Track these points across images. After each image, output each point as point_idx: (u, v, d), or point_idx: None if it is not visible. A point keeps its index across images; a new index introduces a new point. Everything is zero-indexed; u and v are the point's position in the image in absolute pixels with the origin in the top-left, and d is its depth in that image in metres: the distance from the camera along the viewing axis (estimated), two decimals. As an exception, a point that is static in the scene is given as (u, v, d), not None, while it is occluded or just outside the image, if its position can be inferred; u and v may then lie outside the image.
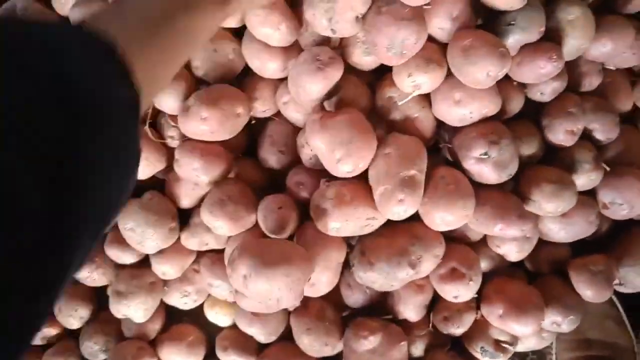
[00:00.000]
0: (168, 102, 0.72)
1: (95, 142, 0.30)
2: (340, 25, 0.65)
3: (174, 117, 0.74)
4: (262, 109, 0.75)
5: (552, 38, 0.68)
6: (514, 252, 0.74)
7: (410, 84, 0.67)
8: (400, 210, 0.66)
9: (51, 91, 0.28)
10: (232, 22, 0.70)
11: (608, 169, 0.73)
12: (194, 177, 0.73)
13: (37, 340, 0.85)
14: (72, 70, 0.30)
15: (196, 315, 0.85)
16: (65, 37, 0.32)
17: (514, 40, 0.67)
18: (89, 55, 0.32)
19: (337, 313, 0.77)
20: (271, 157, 0.76)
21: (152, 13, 0.38)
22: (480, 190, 0.70)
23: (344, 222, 0.68)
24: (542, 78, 0.68)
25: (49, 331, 0.85)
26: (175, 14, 0.39)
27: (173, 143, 0.76)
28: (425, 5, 0.63)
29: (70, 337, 0.86)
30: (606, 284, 0.74)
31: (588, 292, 0.74)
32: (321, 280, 0.70)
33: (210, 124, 0.69)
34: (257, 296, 0.63)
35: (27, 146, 0.26)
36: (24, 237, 0.26)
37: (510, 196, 0.70)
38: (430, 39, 0.68)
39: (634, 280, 0.76)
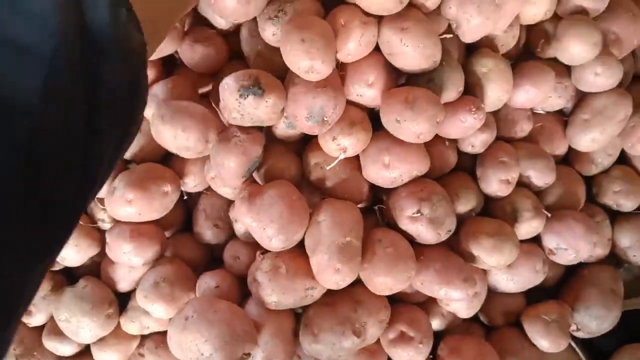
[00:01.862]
0: (94, 186, 0.70)
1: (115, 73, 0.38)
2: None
3: (101, 200, 0.72)
4: (192, 184, 0.73)
5: (472, 92, 0.68)
6: (463, 310, 0.72)
7: (336, 147, 0.66)
8: (338, 279, 0.64)
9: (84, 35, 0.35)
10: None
11: (549, 215, 0.72)
12: (127, 261, 0.70)
13: None
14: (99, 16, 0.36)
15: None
16: None
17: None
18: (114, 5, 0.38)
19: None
20: (206, 231, 0.74)
21: None
22: (423, 251, 0.68)
23: (281, 295, 0.65)
24: (467, 132, 0.67)
25: None
26: None
27: (105, 226, 0.74)
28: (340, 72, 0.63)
29: None
30: (561, 332, 0.72)
31: (544, 342, 0.72)
32: (278, 354, 0.67)
33: (137, 206, 0.67)
34: (192, 340, 0.60)
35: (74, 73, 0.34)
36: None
37: (454, 257, 0.69)
38: (353, 104, 0.68)
39: (589, 325, 0.75)
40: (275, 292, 0.65)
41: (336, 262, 0.63)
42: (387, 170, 0.67)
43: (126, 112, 0.41)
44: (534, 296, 0.77)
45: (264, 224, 0.63)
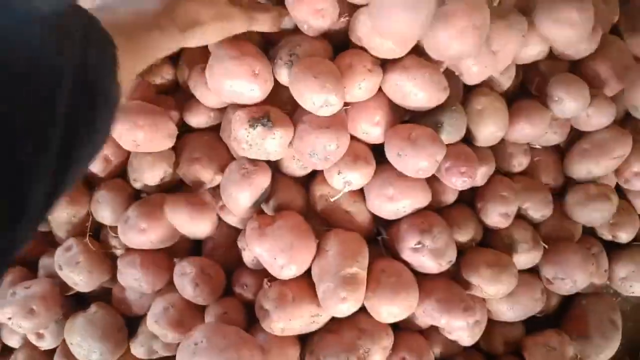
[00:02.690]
0: (106, 214, 0.73)
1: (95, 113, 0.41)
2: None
3: (114, 229, 0.74)
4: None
5: (469, 127, 0.71)
6: (465, 338, 0.74)
7: (341, 180, 0.69)
8: (343, 308, 0.66)
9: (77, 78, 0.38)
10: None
11: (546, 246, 0.74)
12: (137, 287, 0.73)
13: None
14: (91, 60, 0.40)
15: None
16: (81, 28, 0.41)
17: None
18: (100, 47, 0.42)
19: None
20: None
21: (133, 29, 0.49)
22: (424, 281, 0.70)
23: (287, 321, 0.67)
24: (460, 186, 0.70)
25: None
26: (149, 30, 0.51)
27: (118, 252, 0.76)
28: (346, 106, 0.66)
29: None
30: (560, 360, 0.74)
31: None
32: None
33: (149, 235, 0.70)
34: None
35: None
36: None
37: (454, 287, 0.71)
38: (358, 140, 0.71)
39: (590, 354, 0.76)
40: (281, 320, 0.67)
41: (342, 291, 0.65)
42: (391, 202, 0.70)
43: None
44: (533, 326, 0.78)
45: (274, 254, 0.66)
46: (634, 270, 0.78)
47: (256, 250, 0.67)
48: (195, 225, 0.72)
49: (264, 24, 0.65)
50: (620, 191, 0.80)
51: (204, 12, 0.57)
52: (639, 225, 0.79)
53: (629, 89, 0.72)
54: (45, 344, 0.78)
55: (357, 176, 0.69)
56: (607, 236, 0.80)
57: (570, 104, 0.71)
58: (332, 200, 0.71)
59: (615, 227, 0.79)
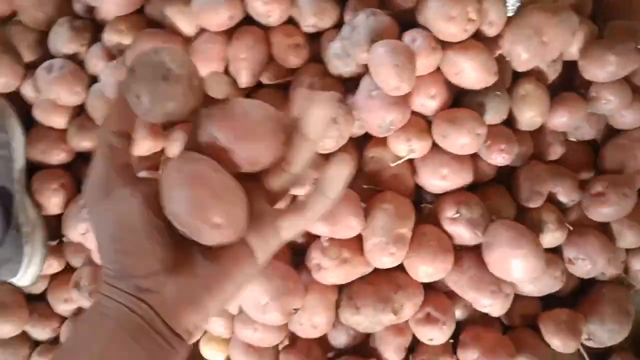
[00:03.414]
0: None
1: None
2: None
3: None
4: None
5: (512, 110, 0.78)
6: (497, 310, 0.80)
7: (406, 148, 0.77)
8: (388, 262, 0.75)
9: None
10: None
11: (571, 228, 0.81)
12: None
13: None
14: None
15: (193, 352, 0.90)
16: None
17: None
18: None
19: (323, 353, 0.82)
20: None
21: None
22: (461, 256, 0.78)
23: (340, 278, 0.76)
24: (500, 162, 0.77)
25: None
26: None
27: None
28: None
29: None
30: (573, 335, 0.80)
31: (556, 341, 0.80)
32: (322, 321, 0.77)
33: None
34: (252, 290, 0.71)
35: None
36: None
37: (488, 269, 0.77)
38: (416, 114, 0.78)
39: (602, 336, 0.82)
40: (336, 276, 0.76)
41: (392, 247, 0.73)
42: (443, 181, 0.77)
43: None
44: (549, 305, 0.85)
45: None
46: (650, 264, 0.84)
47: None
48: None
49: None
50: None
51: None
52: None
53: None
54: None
55: (421, 146, 0.76)
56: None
57: (614, 105, 0.79)
58: (392, 165, 0.78)
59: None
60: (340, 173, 0.40)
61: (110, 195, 0.39)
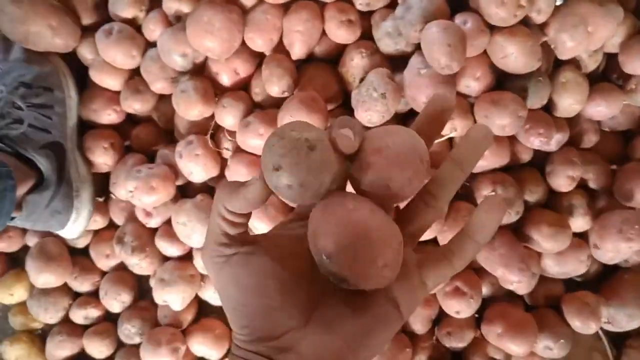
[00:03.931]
0: (228, 119, 0.85)
1: None
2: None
3: (231, 132, 0.87)
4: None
5: (551, 96, 0.81)
6: (523, 288, 0.84)
7: (450, 126, 0.80)
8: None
9: None
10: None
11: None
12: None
13: (80, 319, 0.95)
14: None
15: (224, 313, 0.94)
16: None
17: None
18: None
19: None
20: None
21: None
22: (495, 236, 0.80)
23: None
24: (537, 146, 0.81)
25: (92, 312, 0.95)
26: None
27: (226, 154, 0.89)
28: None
29: (110, 320, 0.96)
30: (593, 317, 0.83)
31: (577, 322, 0.84)
32: None
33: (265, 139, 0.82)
34: None
35: None
36: None
37: (518, 247, 0.81)
38: (459, 94, 0.81)
39: (621, 320, 0.85)
40: None
41: None
42: (481, 161, 0.79)
43: None
44: (572, 288, 0.88)
45: None
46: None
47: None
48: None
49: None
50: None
51: None
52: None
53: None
54: (152, 223, 0.90)
55: (463, 125, 0.79)
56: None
57: None
58: (436, 141, 0.82)
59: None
60: (493, 217, 0.35)
61: (229, 260, 0.37)
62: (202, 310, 0.96)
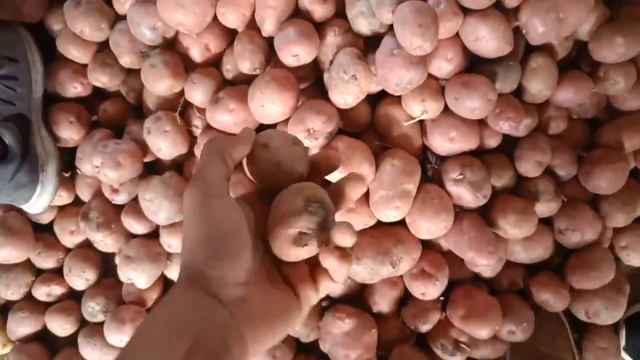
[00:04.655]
0: (198, 95, 0.84)
1: None
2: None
3: (200, 110, 0.85)
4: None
5: (522, 81, 0.82)
6: (490, 271, 0.86)
7: (420, 108, 0.80)
8: (392, 215, 0.78)
9: None
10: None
11: (565, 199, 0.85)
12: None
13: (43, 296, 0.93)
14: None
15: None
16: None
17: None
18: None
19: (319, 301, 0.86)
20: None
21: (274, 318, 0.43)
22: (464, 220, 0.81)
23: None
24: (506, 132, 0.81)
25: (56, 289, 0.93)
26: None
27: (196, 132, 0.87)
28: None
29: (73, 298, 0.95)
30: (560, 295, 0.85)
31: (544, 298, 0.86)
32: None
33: (235, 116, 0.81)
34: None
35: None
36: None
37: (487, 231, 0.81)
38: (431, 76, 0.81)
39: (602, 315, 0.86)
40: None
41: (397, 201, 0.77)
42: (451, 143, 0.81)
43: None
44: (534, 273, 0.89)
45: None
46: (635, 241, 0.88)
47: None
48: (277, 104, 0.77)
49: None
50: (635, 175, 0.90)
51: None
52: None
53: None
54: (118, 199, 0.89)
55: (434, 107, 0.79)
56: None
57: (621, 86, 0.83)
58: (406, 124, 0.82)
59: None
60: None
61: (216, 199, 0.40)
62: (168, 288, 0.95)
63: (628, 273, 0.93)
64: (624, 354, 0.90)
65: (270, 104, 0.77)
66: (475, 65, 0.82)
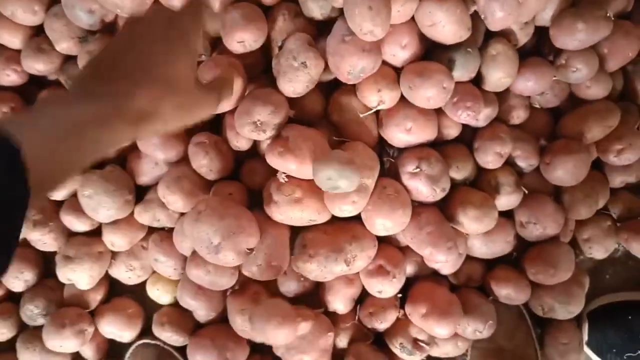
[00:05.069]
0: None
1: None
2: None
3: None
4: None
5: (480, 69, 0.78)
6: (448, 267, 0.82)
7: (377, 98, 0.75)
8: (348, 210, 0.74)
9: None
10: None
11: (527, 192, 0.82)
12: (152, 153, 0.78)
13: (-23, 300, 0.87)
14: None
15: (138, 293, 0.89)
16: None
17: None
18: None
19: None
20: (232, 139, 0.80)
21: (63, 125, 0.41)
22: (420, 213, 0.78)
23: (288, 218, 0.75)
24: (464, 122, 0.78)
25: (-9, 291, 0.87)
26: (85, 128, 0.42)
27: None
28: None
29: (12, 300, 0.89)
30: (520, 288, 0.83)
31: (505, 292, 0.83)
32: (278, 256, 0.76)
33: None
34: (204, 230, 0.69)
35: None
36: None
37: (446, 226, 0.78)
38: (386, 64, 0.77)
39: (558, 311, 0.84)
40: (285, 215, 0.75)
41: (354, 196, 0.73)
42: (407, 134, 0.77)
43: None
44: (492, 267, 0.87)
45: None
46: (596, 233, 0.86)
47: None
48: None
49: (228, 97, 0.61)
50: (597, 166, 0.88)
51: (164, 104, 0.48)
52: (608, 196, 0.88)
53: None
54: (57, 195, 0.83)
55: (391, 97, 0.75)
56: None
57: (583, 74, 0.79)
58: (362, 115, 0.77)
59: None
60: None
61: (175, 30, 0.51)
62: (114, 289, 0.89)
63: (590, 266, 0.91)
64: (586, 349, 0.88)
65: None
66: (432, 53, 0.78)
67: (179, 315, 0.85)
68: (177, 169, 0.79)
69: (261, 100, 0.71)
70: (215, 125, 0.82)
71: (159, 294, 0.86)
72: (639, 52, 0.82)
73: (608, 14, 0.76)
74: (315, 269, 0.75)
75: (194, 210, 0.72)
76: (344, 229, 0.78)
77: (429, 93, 0.73)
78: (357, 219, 0.78)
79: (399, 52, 0.75)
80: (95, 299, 0.87)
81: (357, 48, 0.71)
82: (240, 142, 0.79)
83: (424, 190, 0.76)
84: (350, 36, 0.71)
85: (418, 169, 0.76)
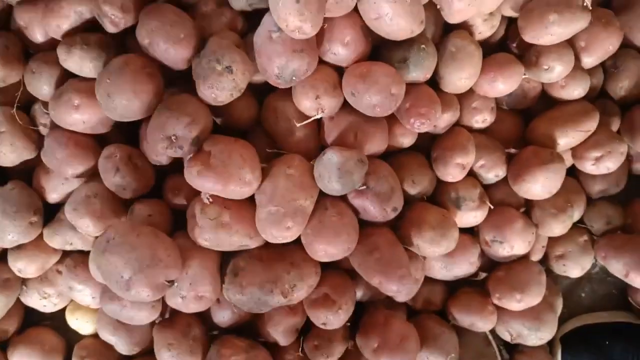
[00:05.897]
0: (42, 87, 0.69)
1: None
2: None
3: (46, 104, 0.70)
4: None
5: (437, 68, 0.69)
6: (403, 295, 0.72)
7: (315, 105, 0.66)
8: (282, 237, 0.65)
9: None
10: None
11: (492, 206, 0.73)
12: (57, 168, 0.69)
13: None
14: None
15: (60, 320, 0.80)
16: None
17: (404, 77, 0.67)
18: None
19: (205, 332, 0.73)
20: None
21: None
22: (371, 238, 0.69)
23: (216, 243, 0.66)
24: (418, 128, 0.68)
25: None
26: None
27: (44, 131, 0.72)
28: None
29: None
30: (484, 315, 0.75)
31: (469, 321, 0.75)
32: (206, 285, 0.67)
33: (82, 113, 0.65)
34: (113, 263, 0.60)
35: None
36: None
37: (398, 250, 0.69)
38: (325, 64, 0.67)
39: (527, 337, 0.77)
40: (210, 240, 0.66)
41: (289, 221, 0.63)
42: (353, 145, 0.67)
43: None
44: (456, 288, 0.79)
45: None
46: (570, 250, 0.78)
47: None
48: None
49: None
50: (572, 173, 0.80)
51: None
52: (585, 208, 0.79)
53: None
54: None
55: (332, 104, 0.66)
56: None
57: (556, 72, 0.71)
58: (298, 125, 0.68)
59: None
60: None
61: None
62: (29, 318, 0.81)
63: (564, 284, 0.83)
64: (560, 376, 0.81)
65: (120, 98, 0.61)
66: (381, 51, 0.67)
67: (102, 347, 0.76)
68: (87, 187, 0.69)
69: (174, 111, 0.61)
70: (133, 134, 0.71)
71: (79, 324, 0.78)
72: (620, 46, 0.73)
73: (585, 3, 0.67)
74: (249, 302, 0.66)
75: (102, 238, 0.62)
76: (282, 255, 0.69)
77: (374, 100, 0.63)
78: (298, 241, 0.68)
79: (341, 50, 0.65)
80: (8, 330, 0.78)
81: (285, 47, 0.61)
82: (160, 155, 0.68)
83: (373, 210, 0.67)
84: (278, 32, 0.61)
85: (364, 187, 0.66)
